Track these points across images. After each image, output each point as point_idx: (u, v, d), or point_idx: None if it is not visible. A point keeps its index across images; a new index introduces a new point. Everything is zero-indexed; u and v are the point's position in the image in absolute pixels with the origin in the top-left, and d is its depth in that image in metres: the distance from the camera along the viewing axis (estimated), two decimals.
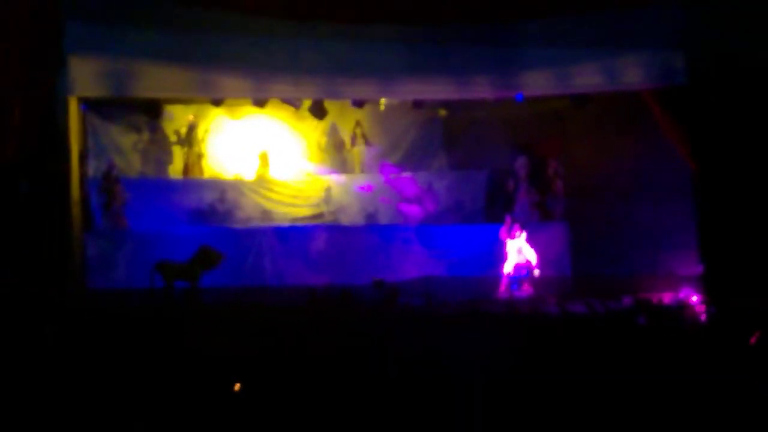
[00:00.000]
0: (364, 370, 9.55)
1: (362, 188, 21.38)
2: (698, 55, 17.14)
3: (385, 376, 9.39)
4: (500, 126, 21.30)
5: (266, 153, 21.49)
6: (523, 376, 9.58)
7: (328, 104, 19.72)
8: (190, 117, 21.20)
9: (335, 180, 21.51)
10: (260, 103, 19.41)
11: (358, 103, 20.06)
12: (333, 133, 21.96)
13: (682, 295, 17.06)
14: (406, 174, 21.58)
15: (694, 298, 16.72)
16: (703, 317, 15.75)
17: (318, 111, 19.69)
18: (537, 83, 18.10)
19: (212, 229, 19.74)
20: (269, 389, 8.95)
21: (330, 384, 9.22)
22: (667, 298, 17.00)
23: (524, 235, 18.93)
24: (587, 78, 18.01)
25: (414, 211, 21.13)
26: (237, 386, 8.83)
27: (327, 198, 21.11)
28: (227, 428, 8.59)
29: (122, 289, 17.19)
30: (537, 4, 17.53)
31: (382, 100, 19.98)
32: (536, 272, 18.60)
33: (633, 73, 17.95)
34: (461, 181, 22.26)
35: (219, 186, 20.87)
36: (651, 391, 9.20)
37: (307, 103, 19.78)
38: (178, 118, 21.28)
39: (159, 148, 21.27)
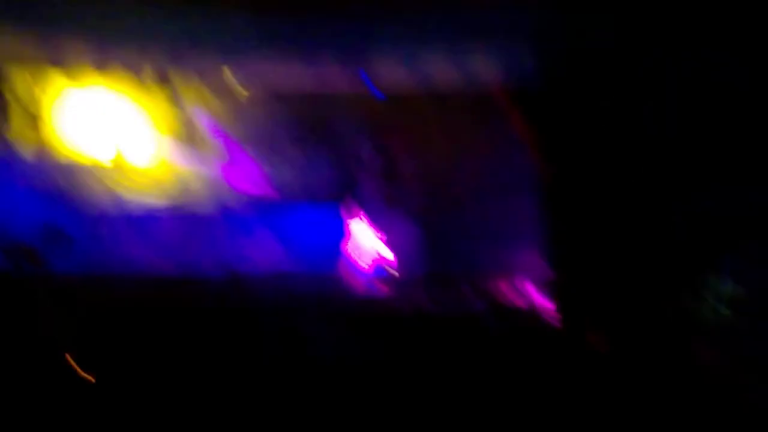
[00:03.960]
0: None
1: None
2: (549, 53, 17.46)
3: None
4: (354, 118, 21.38)
5: (118, 136, 20.95)
6: None
7: (185, 89, 19.33)
8: (33, 85, 20.54)
9: (188, 165, 21.22)
10: (104, 73, 18.86)
11: (216, 90, 19.77)
12: (188, 120, 21.60)
13: (533, 297, 17.44)
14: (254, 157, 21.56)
15: (544, 300, 17.14)
16: (553, 321, 16.24)
17: (166, 85, 19.39)
18: (389, 75, 18.17)
19: (59, 212, 19.21)
20: None
21: None
22: (518, 300, 17.36)
23: (373, 229, 19.06)
24: (441, 73, 18.17)
25: (259, 193, 21.13)
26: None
27: (179, 184, 20.82)
28: None
29: None
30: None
31: (241, 91, 19.74)
32: (389, 269, 18.75)
33: (485, 69, 18.19)
34: (309, 166, 22.26)
35: (67, 167, 20.33)
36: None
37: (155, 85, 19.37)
38: (19, 85, 20.58)
39: None
